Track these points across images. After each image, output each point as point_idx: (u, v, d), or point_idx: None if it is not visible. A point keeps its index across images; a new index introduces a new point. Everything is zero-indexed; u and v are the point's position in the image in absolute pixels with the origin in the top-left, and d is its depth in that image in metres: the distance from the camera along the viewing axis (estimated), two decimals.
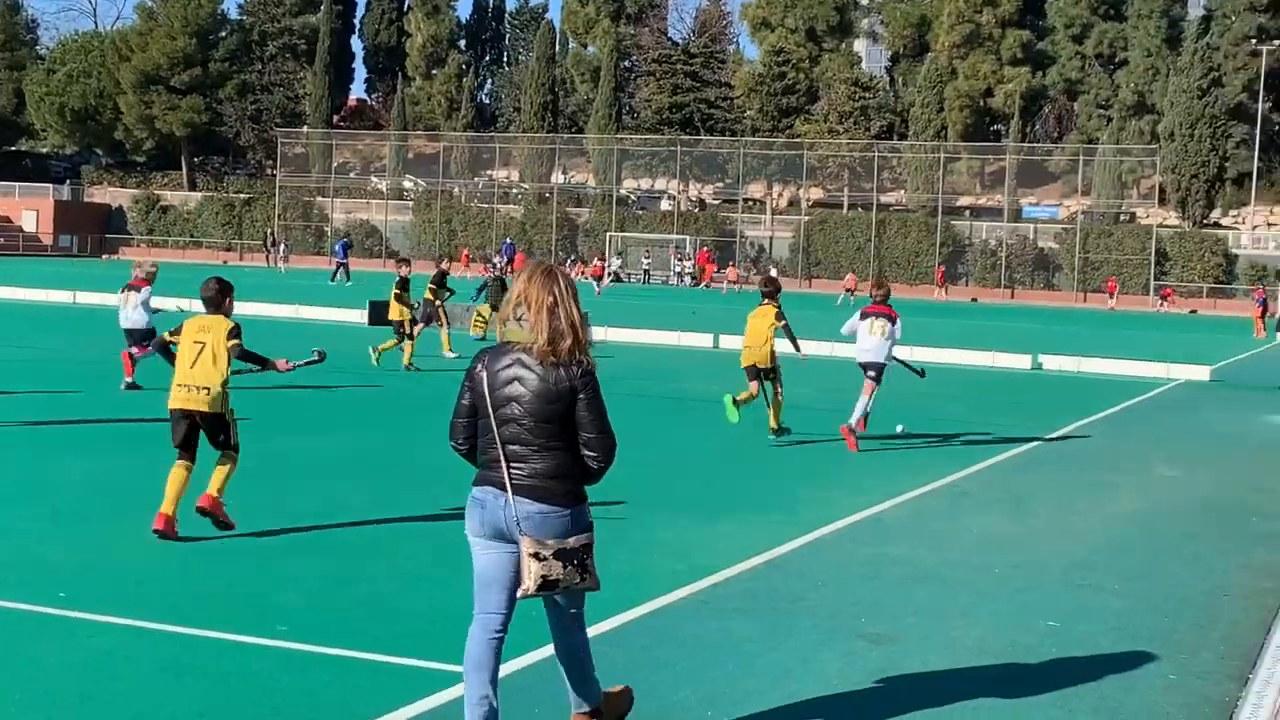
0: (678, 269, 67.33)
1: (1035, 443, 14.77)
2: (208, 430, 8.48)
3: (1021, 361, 24.92)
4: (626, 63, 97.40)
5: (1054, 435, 15.50)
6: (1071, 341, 32.01)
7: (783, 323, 13.58)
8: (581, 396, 4.84)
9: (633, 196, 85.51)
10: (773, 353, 13.59)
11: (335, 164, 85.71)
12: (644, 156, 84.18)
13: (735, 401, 13.48)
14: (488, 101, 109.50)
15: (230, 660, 6.02)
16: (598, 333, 26.49)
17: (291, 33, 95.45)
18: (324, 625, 6.57)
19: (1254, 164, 74.41)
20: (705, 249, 68.78)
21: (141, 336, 16.06)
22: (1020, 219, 76.87)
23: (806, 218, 75.18)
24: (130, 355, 16.02)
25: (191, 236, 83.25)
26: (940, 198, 72.92)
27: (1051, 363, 25.00)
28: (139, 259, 20.56)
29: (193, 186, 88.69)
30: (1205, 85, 72.33)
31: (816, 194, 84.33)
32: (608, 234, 72.66)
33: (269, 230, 76.19)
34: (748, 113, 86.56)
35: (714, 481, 11.47)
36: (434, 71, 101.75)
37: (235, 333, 8.49)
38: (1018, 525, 10.05)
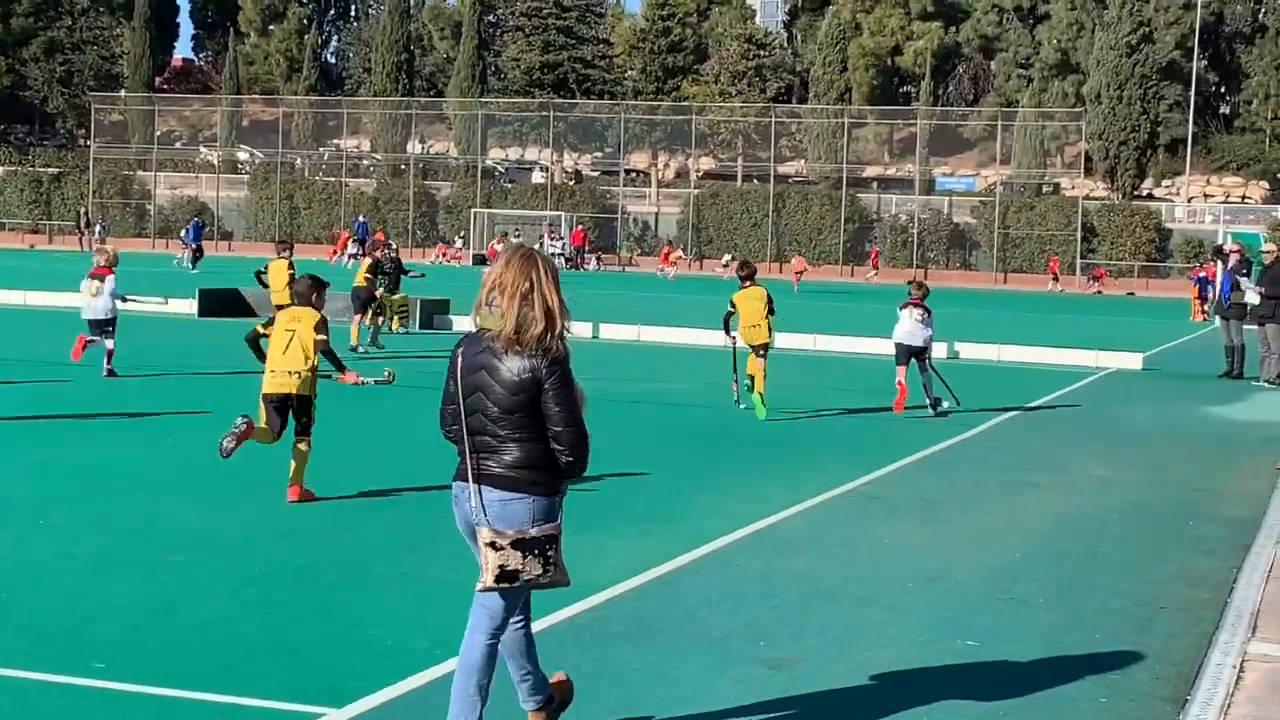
0: (551, 249, 67.21)
1: (950, 441, 14.96)
2: (296, 411, 10.43)
3: (936, 350, 25.26)
4: (491, 17, 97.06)
5: (971, 432, 15.72)
6: (990, 327, 32.61)
7: (770, 307, 16.47)
8: (547, 387, 5.09)
9: (500, 168, 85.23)
10: (770, 329, 16.41)
11: (158, 133, 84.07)
12: (512, 123, 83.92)
13: (755, 393, 16.15)
14: (334, 61, 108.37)
15: (37, 703, 5.81)
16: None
17: None
18: (145, 660, 6.38)
19: (1188, 129, 76.56)
20: (581, 227, 68.82)
21: (107, 326, 17.48)
22: (933, 191, 78.24)
23: (696, 191, 75.62)
24: (84, 340, 17.54)
25: None
26: (845, 168, 73.85)
27: (968, 351, 25.41)
28: (99, 245, 21.27)
29: None
30: (1135, 42, 74.22)
31: (707, 164, 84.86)
32: (472, 210, 72.32)
33: (81, 209, 74.40)
34: (629, 73, 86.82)
35: (594, 489, 11.41)
36: (271, 27, 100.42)
37: (322, 326, 10.48)
38: (931, 533, 10.15)
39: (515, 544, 5.06)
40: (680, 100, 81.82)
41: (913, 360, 16.89)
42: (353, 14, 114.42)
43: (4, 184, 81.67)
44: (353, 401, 15.02)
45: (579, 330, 26.48)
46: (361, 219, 69.59)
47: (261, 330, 10.75)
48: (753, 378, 16.27)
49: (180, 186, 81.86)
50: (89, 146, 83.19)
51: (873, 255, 65.98)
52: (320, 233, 75.82)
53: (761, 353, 16.34)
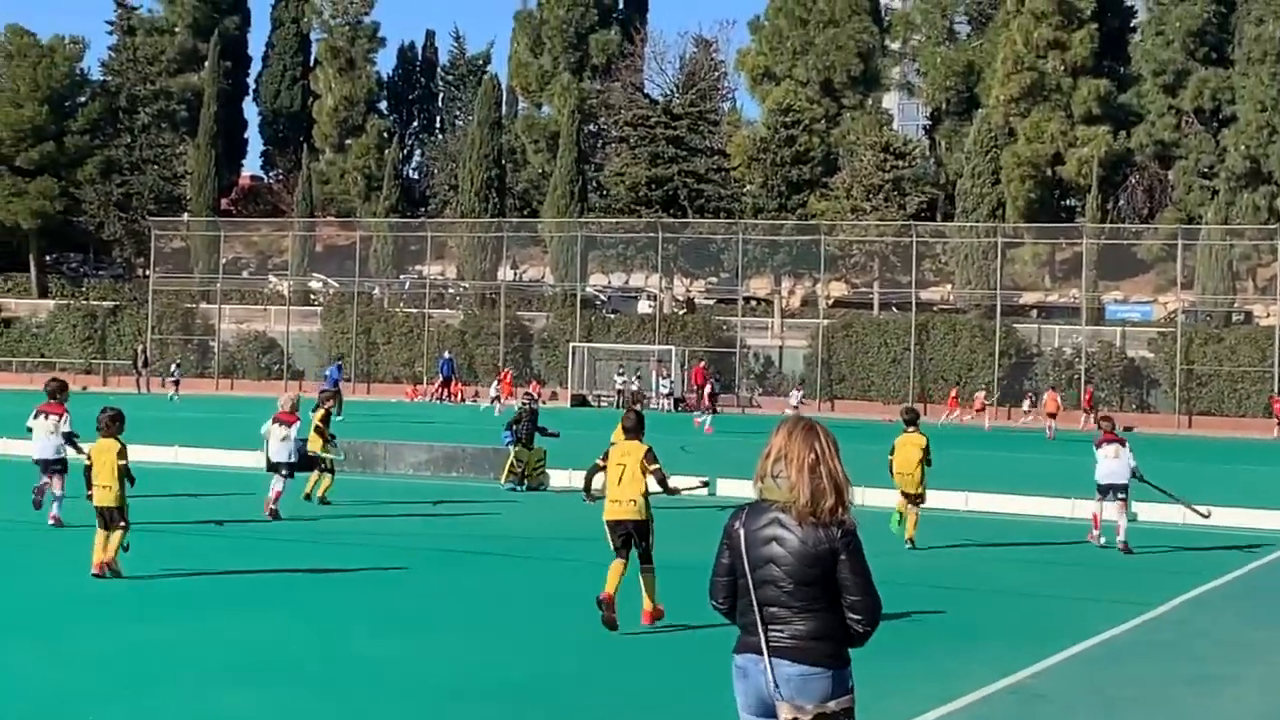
0: (661, 387, 67.50)
1: (1131, 623, 14.70)
2: (636, 535, 13.50)
3: (1108, 511, 24.87)
4: (592, 127, 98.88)
5: (1154, 612, 15.43)
6: (1174, 480, 31.98)
7: (927, 455, 19.35)
8: (843, 558, 5.81)
9: (602, 296, 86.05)
10: (923, 478, 19.18)
11: (224, 260, 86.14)
12: (616, 245, 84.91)
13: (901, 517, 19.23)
14: (416, 179, 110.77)
15: None
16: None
17: (168, 96, 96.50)
18: None
19: None
20: (702, 362, 68.93)
21: (289, 466, 21.56)
22: (1103, 320, 77.50)
23: (826, 321, 75.69)
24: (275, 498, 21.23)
25: (42, 356, 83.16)
26: (999, 294, 73.56)
27: (1149, 512, 24.94)
28: (286, 395, 23.89)
29: (43, 293, 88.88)
30: None
31: (838, 291, 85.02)
32: (570, 344, 72.99)
33: (139, 346, 76.23)
34: (748, 188, 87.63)
35: (703, 681, 11.36)
36: (348, 142, 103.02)
37: (652, 456, 13.78)
38: None
39: (817, 719, 5.73)
40: (807, 218, 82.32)
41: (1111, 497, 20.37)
42: (438, 126, 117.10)
43: (55, 319, 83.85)
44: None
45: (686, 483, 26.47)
46: (447, 355, 70.58)
47: (600, 463, 14.02)
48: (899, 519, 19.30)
49: (247, 320, 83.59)
50: (148, 277, 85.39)
51: (1049, 398, 63.14)
52: (400, 371, 76.88)
53: (915, 503, 18.90)
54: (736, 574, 5.95)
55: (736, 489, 26.72)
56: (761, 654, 5.81)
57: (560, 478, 27.80)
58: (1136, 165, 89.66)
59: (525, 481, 27.23)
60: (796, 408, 58.92)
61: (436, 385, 69.23)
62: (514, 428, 27.66)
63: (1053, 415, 57.23)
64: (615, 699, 10.75)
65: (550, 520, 22.84)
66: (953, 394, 63.19)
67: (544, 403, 65.53)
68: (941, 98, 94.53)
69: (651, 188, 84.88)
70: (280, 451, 21.64)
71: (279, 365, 78.71)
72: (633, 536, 13.52)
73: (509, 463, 27.38)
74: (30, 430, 20.60)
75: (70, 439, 20.01)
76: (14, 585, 15.36)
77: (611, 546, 13.63)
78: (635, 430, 14.08)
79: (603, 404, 70.77)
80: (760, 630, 5.83)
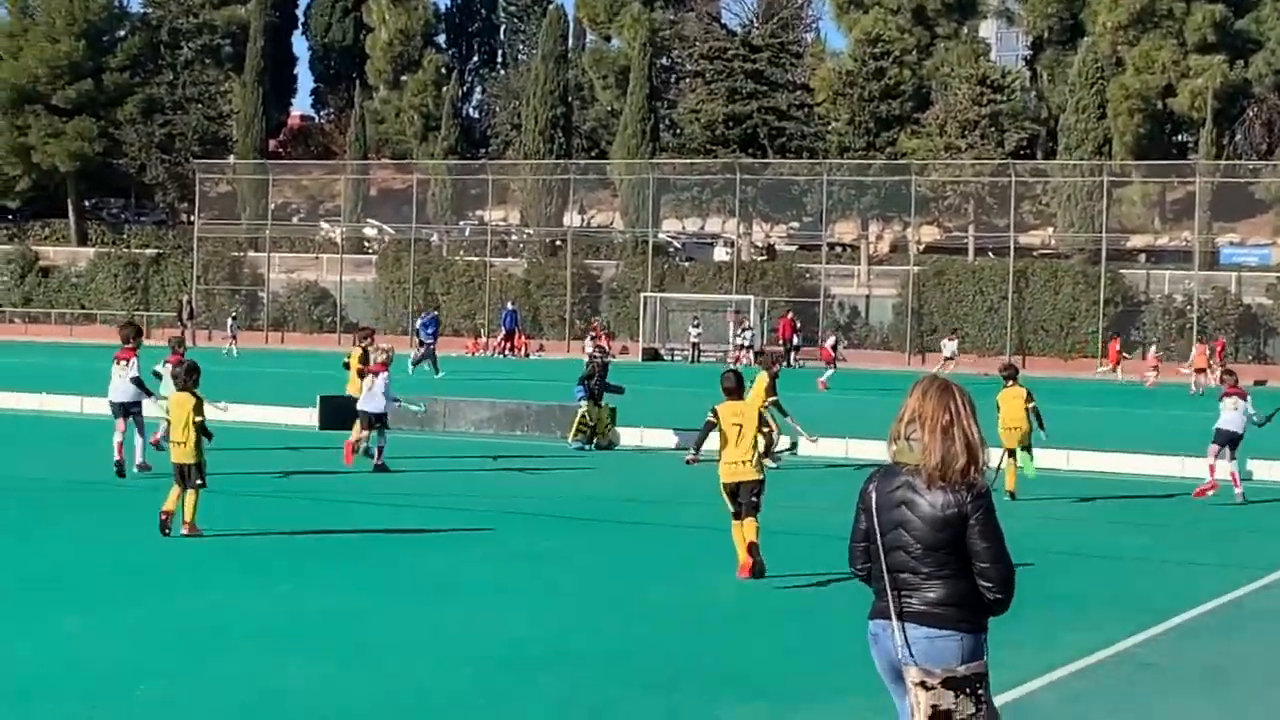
0: (739, 339, 67.29)
1: (1244, 589, 14.69)
2: (754, 493, 14.36)
3: (1222, 471, 24.76)
4: (664, 61, 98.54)
5: (1266, 579, 15.41)
6: None
7: (1032, 404, 20.86)
8: (973, 523, 6.00)
9: (675, 243, 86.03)
10: (1030, 430, 20.82)
11: (272, 206, 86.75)
12: (690, 188, 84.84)
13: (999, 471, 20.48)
14: (476, 118, 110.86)
15: None
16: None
17: (212, 30, 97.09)
18: None
19: None
20: (788, 314, 68.44)
21: (383, 419, 23.09)
22: (1217, 265, 76.76)
23: (917, 268, 75.34)
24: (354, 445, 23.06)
25: (82, 307, 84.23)
26: (1104, 237, 72.97)
27: (1265, 470, 24.82)
28: (380, 345, 25.86)
29: (83, 240, 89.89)
30: None
31: (930, 235, 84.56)
32: (641, 295, 73.04)
33: (184, 298, 76.98)
34: (833, 125, 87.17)
35: (797, 647, 11.46)
36: (404, 78, 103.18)
37: (765, 419, 14.96)
38: (1220, 714, 9.95)
39: (946, 683, 5.91)
40: (896, 157, 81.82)
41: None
42: (499, 61, 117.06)
43: (95, 268, 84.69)
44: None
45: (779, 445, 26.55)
46: (510, 307, 70.75)
47: (712, 421, 14.61)
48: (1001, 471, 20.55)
49: (297, 269, 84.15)
50: (192, 223, 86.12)
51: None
52: (460, 323, 77.23)
53: (1021, 447, 20.67)
54: (870, 539, 6.23)
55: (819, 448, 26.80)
56: (891, 619, 6.07)
57: (630, 436, 27.95)
58: (1254, 97, 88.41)
59: (594, 440, 27.37)
60: (951, 359, 58.15)
61: (499, 338, 69.53)
62: (586, 383, 27.74)
63: (1201, 371, 55.95)
64: (687, 669, 10.87)
65: (621, 481, 23.00)
66: (1114, 345, 62.42)
67: (614, 357, 65.68)
68: (1043, 25, 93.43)
69: (729, 126, 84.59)
70: (373, 403, 23.05)
71: (331, 317, 79.27)
72: (747, 494, 14.33)
73: (578, 420, 27.52)
74: (157, 374, 22.54)
75: (139, 383, 21.24)
76: (69, 547, 15.69)
77: (730, 509, 14.39)
78: (736, 391, 14.86)
79: (676, 358, 70.91)
80: (891, 595, 6.08)
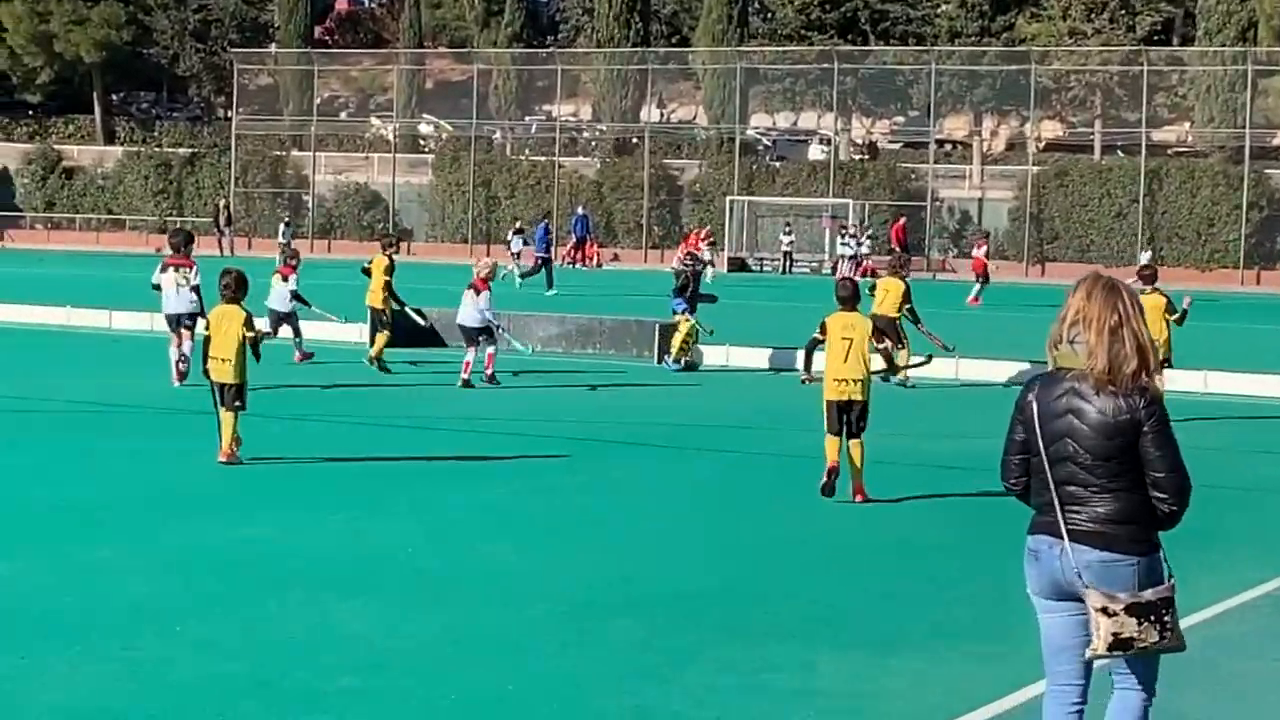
0: (843, 247, 66.35)
1: None
2: (859, 413, 14.73)
3: None
4: None
5: None
6: None
7: (1176, 315, 21.01)
8: (1147, 430, 6.19)
9: (765, 141, 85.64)
10: (1169, 343, 20.77)
11: (318, 100, 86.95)
12: (782, 79, 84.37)
13: None
14: (544, 1, 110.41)
15: None
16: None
17: None
18: None
19: None
20: (901, 219, 67.68)
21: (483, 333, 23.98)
22: None
23: (1036, 168, 74.76)
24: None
25: (109, 212, 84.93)
26: (1248, 134, 72.03)
27: None
28: (480, 259, 26.27)
29: (110, 138, 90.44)
30: None
31: (1051, 131, 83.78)
32: (727, 198, 72.85)
33: (221, 201, 77.39)
34: (942, 8, 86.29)
35: (894, 592, 11.50)
36: None
37: (879, 332, 15.34)
38: None
39: (1130, 609, 6.15)
40: (1014, 44, 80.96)
41: None
42: None
43: (124, 169, 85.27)
44: None
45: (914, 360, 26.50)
46: (581, 211, 70.66)
47: (819, 337, 14.97)
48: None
49: (345, 170, 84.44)
50: (230, 119, 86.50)
51: None
52: (526, 229, 77.39)
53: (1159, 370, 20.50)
54: (1030, 451, 6.39)
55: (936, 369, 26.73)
56: (1059, 537, 6.27)
57: (715, 354, 27.94)
58: None
59: (680, 359, 27.29)
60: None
61: (568, 247, 69.58)
62: (684, 294, 27.62)
63: None
64: (776, 613, 10.93)
65: (705, 404, 23.07)
66: None
67: (712, 265, 65.40)
68: None
69: (825, 9, 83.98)
70: (472, 318, 23.90)
71: (383, 223, 79.44)
72: (852, 415, 14.74)
73: (682, 336, 27.21)
74: (157, 287, 22.81)
75: (199, 292, 22.03)
76: (99, 473, 15.92)
77: (828, 427, 14.77)
78: (852, 301, 15.14)
79: (765, 269, 70.79)
80: (1057, 512, 6.27)
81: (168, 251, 23.83)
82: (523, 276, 50.36)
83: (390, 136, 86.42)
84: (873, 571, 12.32)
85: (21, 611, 10.33)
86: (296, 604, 10.73)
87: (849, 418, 14.73)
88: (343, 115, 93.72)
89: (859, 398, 14.70)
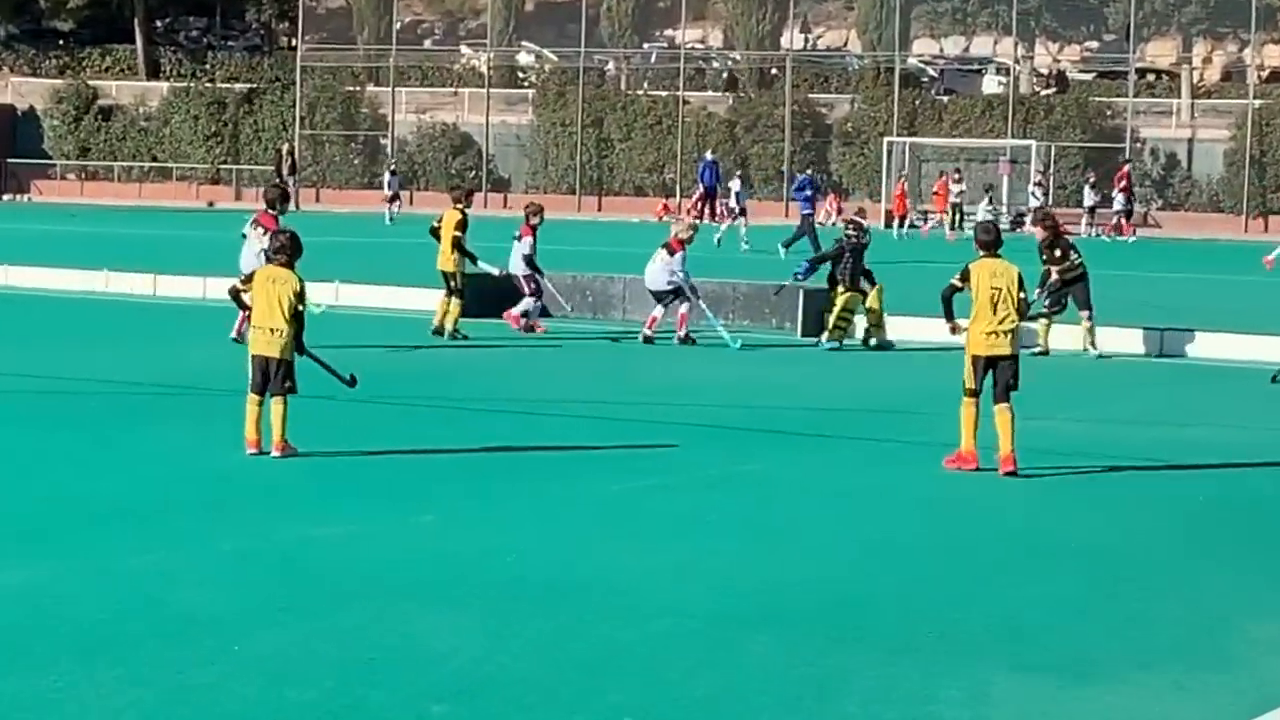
0: (1035, 201, 65.53)
1: None
2: (1013, 371, 15.75)
3: None
4: None
5: None
6: None
7: None
8: None
9: (931, 71, 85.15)
10: None
11: (397, 27, 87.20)
12: None
13: None
14: None
15: None
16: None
17: None
18: None
19: None
20: (1126, 164, 66.66)
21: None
22: None
23: (1259, 102, 73.88)
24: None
25: (154, 159, 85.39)
26: None
27: None
28: (683, 218, 28.58)
29: (154, 73, 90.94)
30: None
31: (1274, 58, 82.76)
32: (885, 140, 72.51)
33: (285, 146, 77.66)
34: None
35: (1083, 606, 11.45)
36: None
37: (1022, 282, 15.99)
38: None
39: None
40: None
41: None
42: None
43: (170, 109, 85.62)
44: None
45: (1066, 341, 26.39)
46: (710, 157, 70.36)
47: (957, 283, 16.08)
48: None
49: (431, 108, 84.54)
50: (294, 49, 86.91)
51: None
52: (643, 178, 77.37)
53: None
54: None
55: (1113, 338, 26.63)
56: None
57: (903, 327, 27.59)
58: None
59: (838, 338, 26.89)
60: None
61: (695, 198, 69.50)
62: (816, 266, 27.83)
63: None
64: (940, 629, 10.89)
65: (856, 384, 23.08)
66: None
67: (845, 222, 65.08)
68: None
69: None
70: (659, 282, 26.38)
71: (475, 170, 79.58)
72: (1004, 372, 15.81)
73: (839, 310, 26.81)
74: (245, 236, 24.33)
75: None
76: (147, 464, 16.09)
77: (969, 385, 15.90)
78: (994, 244, 16.19)
79: (930, 223, 70.21)
80: None
81: (262, 206, 24.95)
82: (785, 246, 49.11)
83: (484, 69, 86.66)
84: (1056, 580, 12.25)
85: (55, 627, 10.35)
86: (374, 617, 10.74)
87: (1001, 375, 15.74)
88: (427, 44, 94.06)
89: (1009, 351, 15.78)
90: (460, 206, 27.30)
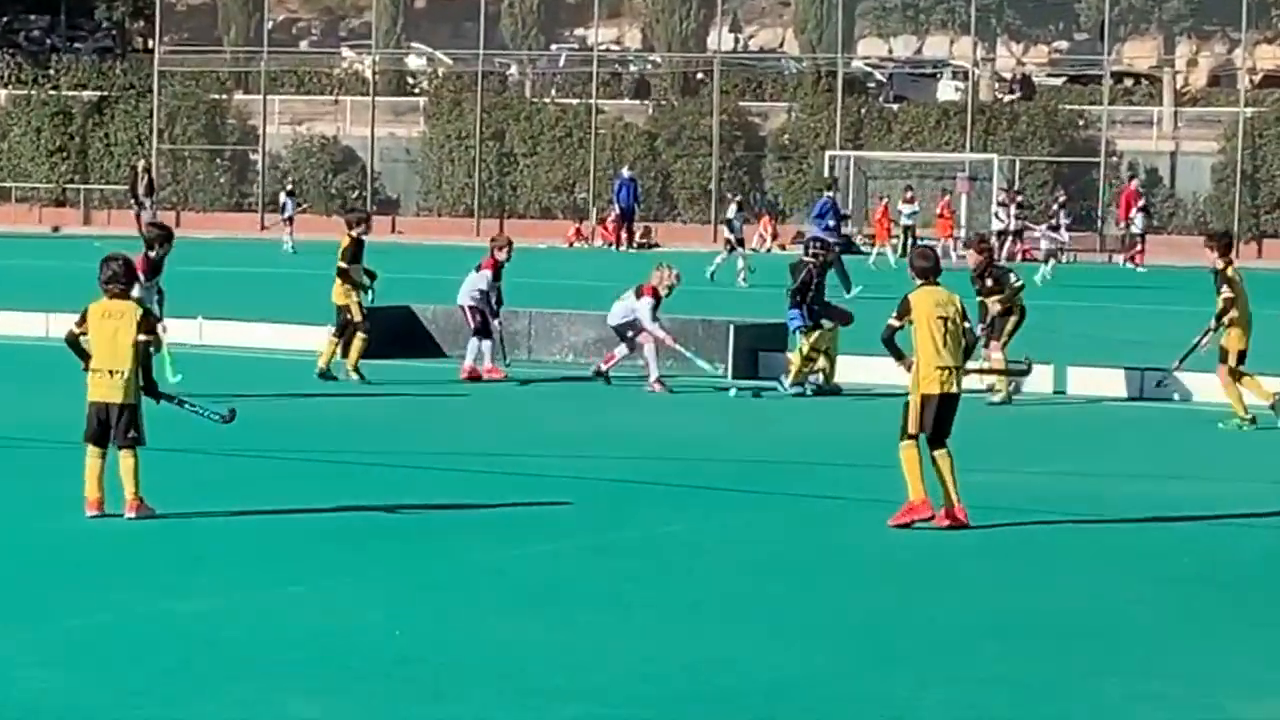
0: (998, 223, 65.28)
1: None
2: (954, 412, 16.12)
3: None
4: None
5: None
6: None
7: None
8: None
9: (879, 75, 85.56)
10: None
11: (269, 26, 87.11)
12: None
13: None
14: None
15: None
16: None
17: None
18: None
19: None
20: (1131, 182, 66.92)
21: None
22: None
23: (1250, 110, 74.50)
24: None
25: None
26: None
27: None
28: (666, 268, 27.14)
29: None
30: None
31: (1271, 59, 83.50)
32: (827, 153, 72.73)
33: (140, 163, 77.27)
34: None
35: (1060, 690, 11.53)
36: None
37: (965, 313, 16.49)
38: None
39: None
40: None
41: None
42: None
43: (9, 120, 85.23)
44: None
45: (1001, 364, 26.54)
46: (627, 174, 70.43)
47: (895, 323, 16.25)
48: None
49: (308, 119, 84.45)
50: (151, 51, 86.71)
51: None
52: (552, 198, 77.35)
53: None
54: None
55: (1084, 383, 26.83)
56: None
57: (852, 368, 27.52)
58: None
59: (802, 380, 26.79)
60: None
61: (610, 219, 69.55)
62: (804, 300, 27.18)
63: None
64: (845, 708, 10.94)
65: (795, 430, 23.13)
66: None
67: (781, 248, 65.43)
68: None
69: None
70: (615, 315, 27.00)
71: (359, 191, 79.44)
72: (951, 412, 16.11)
73: (804, 351, 26.76)
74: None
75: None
76: None
77: (914, 427, 16.04)
78: (933, 271, 16.47)
79: (873, 253, 70.02)
80: None
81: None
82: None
83: (368, 74, 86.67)
84: (1023, 658, 12.30)
85: None
86: (245, 704, 10.73)
87: (948, 416, 16.07)
88: (303, 45, 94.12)
89: (957, 390, 16.20)
90: (355, 233, 27.48)
